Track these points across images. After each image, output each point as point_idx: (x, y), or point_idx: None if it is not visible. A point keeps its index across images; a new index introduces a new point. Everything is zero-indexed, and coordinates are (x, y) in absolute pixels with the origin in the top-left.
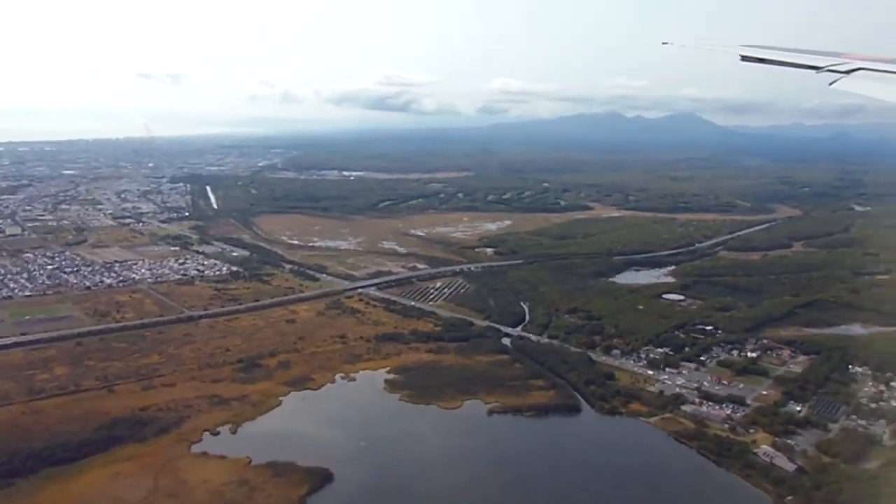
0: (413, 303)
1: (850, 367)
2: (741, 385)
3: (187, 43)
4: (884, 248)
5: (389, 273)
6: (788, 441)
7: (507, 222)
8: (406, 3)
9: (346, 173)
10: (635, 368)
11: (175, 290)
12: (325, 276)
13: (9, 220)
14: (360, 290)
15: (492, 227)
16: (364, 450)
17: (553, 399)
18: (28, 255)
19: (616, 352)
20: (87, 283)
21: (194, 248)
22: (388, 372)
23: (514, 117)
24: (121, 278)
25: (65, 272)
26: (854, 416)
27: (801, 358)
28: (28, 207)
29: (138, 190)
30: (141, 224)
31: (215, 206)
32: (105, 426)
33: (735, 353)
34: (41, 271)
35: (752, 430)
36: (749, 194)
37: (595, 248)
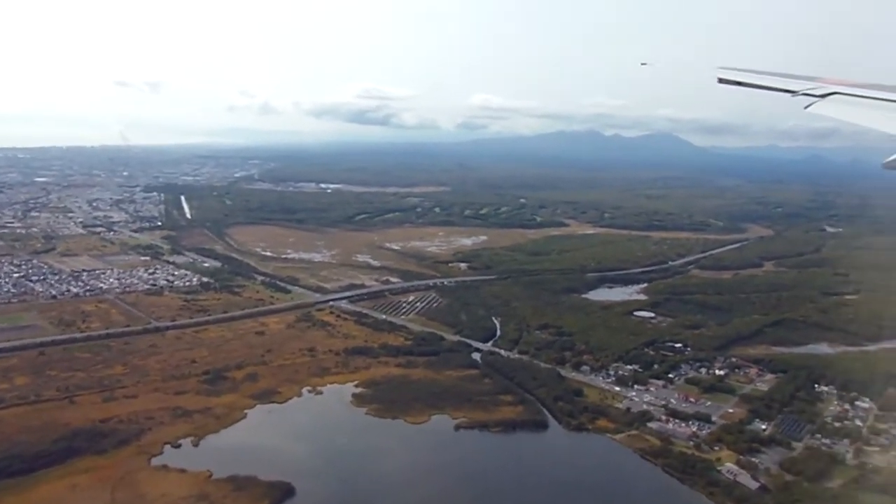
0: (384, 316)
1: (816, 385)
2: (708, 403)
3: (166, 51)
4: (853, 268)
5: (362, 286)
6: (753, 459)
7: (483, 237)
8: (388, 18)
9: (323, 186)
10: (604, 385)
11: (143, 301)
12: (296, 288)
13: None
14: (331, 303)
15: (467, 241)
16: (327, 464)
17: (521, 415)
18: None
19: (585, 368)
20: (54, 292)
21: (165, 258)
22: (356, 386)
23: (493, 133)
24: (88, 287)
25: (31, 281)
26: (818, 435)
27: (769, 376)
28: None
29: (111, 198)
30: (112, 233)
31: (189, 216)
32: (64, 437)
33: (703, 370)
34: (7, 279)
35: (716, 448)
36: (723, 214)
37: (569, 264)
